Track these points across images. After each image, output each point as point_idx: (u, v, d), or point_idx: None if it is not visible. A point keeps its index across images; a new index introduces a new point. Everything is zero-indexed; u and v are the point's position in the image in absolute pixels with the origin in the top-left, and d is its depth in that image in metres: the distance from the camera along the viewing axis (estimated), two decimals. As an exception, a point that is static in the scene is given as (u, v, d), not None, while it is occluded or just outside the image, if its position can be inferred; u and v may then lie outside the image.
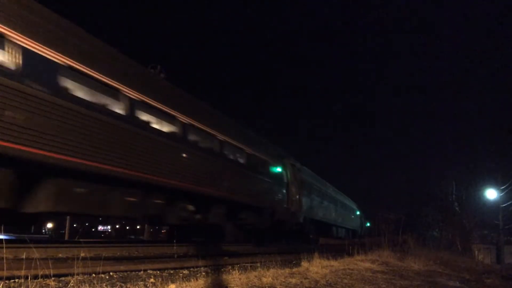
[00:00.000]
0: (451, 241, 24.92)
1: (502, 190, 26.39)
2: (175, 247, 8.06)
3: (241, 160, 12.54)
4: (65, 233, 24.63)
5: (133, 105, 7.97)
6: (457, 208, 28.33)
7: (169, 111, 9.07)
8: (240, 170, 12.33)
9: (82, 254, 4.60)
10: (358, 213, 37.87)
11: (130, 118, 7.92)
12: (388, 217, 14.72)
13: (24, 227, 9.47)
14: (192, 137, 9.95)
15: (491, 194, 27.13)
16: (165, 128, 9.01)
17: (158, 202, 8.97)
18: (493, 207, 27.64)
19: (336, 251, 9.75)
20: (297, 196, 17.04)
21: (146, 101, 8.36)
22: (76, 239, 9.01)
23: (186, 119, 9.60)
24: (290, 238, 19.08)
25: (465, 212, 27.46)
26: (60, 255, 6.21)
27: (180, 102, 9.77)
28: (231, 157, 11.93)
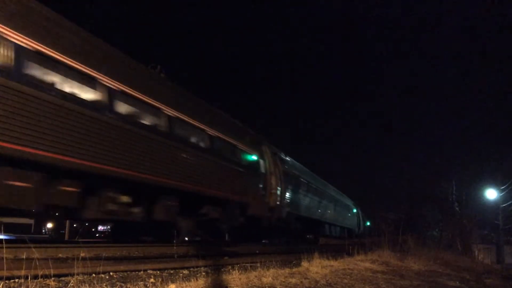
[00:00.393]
0: (451, 241, 24.90)
1: (502, 190, 26.44)
2: (175, 247, 8.05)
3: (201, 143, 10.32)
4: (65, 233, 24.62)
5: (20, 55, 5.92)
6: (457, 208, 28.33)
7: (82, 69, 6.88)
8: (198, 155, 10.04)
9: (82, 254, 4.60)
10: (355, 210, 35.48)
11: (17, 73, 5.84)
12: (388, 217, 14.74)
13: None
14: (122, 108, 7.78)
15: (491, 194, 27.20)
16: (77, 91, 6.80)
17: (69, 190, 6.83)
18: (493, 207, 27.69)
19: (336, 251, 9.75)
20: (279, 189, 14.81)
21: (42, 51, 6.22)
22: (76, 239, 8.99)
23: (113, 84, 7.47)
24: (273, 237, 16.91)
25: (465, 212, 27.47)
26: (60, 255, 6.21)
27: (101, 59, 7.50)
28: (186, 138, 9.78)
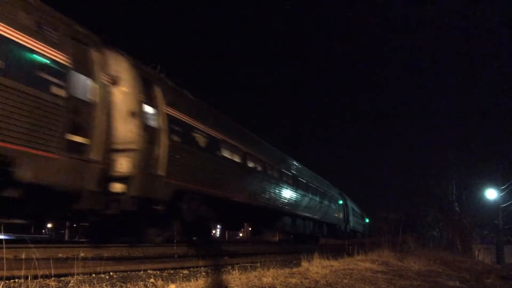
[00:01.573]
0: (451, 241, 24.91)
1: (502, 190, 26.43)
2: (175, 247, 8.05)
3: None
4: (65, 233, 24.61)
5: None
6: (457, 208, 28.36)
7: None
8: None
9: (82, 254, 4.61)
10: (340, 202, 28.20)
11: None
12: (388, 217, 14.74)
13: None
14: None
15: (491, 194, 27.19)
16: None
17: None
18: (493, 207, 27.70)
19: (336, 251, 9.76)
20: (142, 141, 7.79)
21: None
22: (76, 239, 8.94)
23: None
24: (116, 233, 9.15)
25: (465, 212, 27.50)
26: (60, 255, 6.22)
27: None
28: None
